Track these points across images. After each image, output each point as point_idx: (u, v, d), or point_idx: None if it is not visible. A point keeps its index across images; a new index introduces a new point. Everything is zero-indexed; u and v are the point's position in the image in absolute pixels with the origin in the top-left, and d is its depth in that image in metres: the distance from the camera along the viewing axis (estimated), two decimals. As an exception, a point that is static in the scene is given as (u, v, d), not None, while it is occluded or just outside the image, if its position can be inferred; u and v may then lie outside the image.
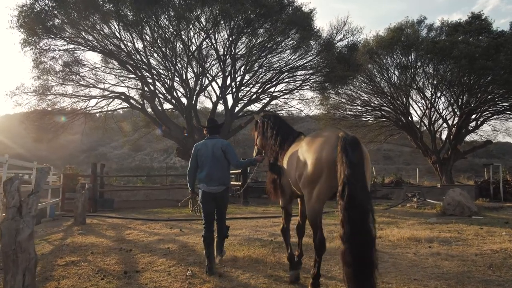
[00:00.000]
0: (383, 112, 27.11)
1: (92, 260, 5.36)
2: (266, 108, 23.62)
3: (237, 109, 22.73)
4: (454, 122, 25.21)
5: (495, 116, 25.55)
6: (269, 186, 4.84)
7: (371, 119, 28.94)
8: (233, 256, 5.12)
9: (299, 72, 22.29)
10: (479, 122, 25.68)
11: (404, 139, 33.32)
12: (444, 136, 26.44)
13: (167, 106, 23.90)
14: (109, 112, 22.89)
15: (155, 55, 21.17)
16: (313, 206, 3.65)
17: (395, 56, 24.17)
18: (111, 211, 13.66)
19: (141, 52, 20.06)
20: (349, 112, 27.91)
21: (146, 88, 20.70)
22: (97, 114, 23.59)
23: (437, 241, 6.42)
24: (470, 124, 25.75)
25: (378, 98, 26.57)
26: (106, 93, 21.55)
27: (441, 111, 25.88)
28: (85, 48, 19.72)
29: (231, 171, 5.54)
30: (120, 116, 29.50)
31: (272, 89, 23.18)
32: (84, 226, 8.90)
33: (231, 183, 15.93)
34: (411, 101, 26.18)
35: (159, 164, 56.16)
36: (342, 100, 26.95)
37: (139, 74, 20.46)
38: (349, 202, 3.07)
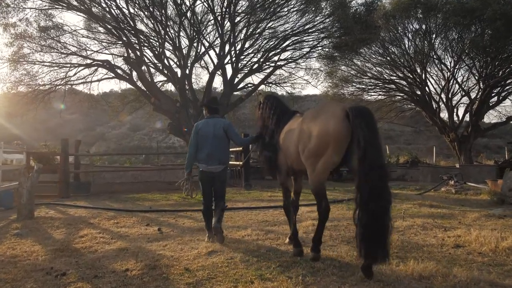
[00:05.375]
0: (397, 85, 24.50)
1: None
2: (269, 80, 21.05)
3: (236, 80, 20.13)
4: (477, 96, 22.63)
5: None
6: (264, 164, 4.99)
7: (381, 93, 26.30)
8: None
9: (307, 38, 19.55)
10: (501, 96, 23.12)
11: (407, 119, 30.94)
12: (461, 112, 24.02)
13: (158, 79, 21.45)
14: (94, 83, 20.23)
15: (142, 15, 18.44)
16: (319, 177, 3.71)
17: (413, 20, 21.36)
18: (86, 196, 11.31)
19: (123, 10, 17.26)
20: (359, 86, 25.29)
21: (132, 54, 17.99)
22: (80, 87, 21.00)
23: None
24: (490, 100, 23.23)
25: (391, 70, 23.87)
26: (89, 61, 18.90)
27: (461, 83, 23.30)
28: (59, 7, 16.90)
29: (230, 149, 5.42)
30: (113, 96, 27.08)
31: (276, 58, 20.49)
32: (29, 222, 6.51)
33: (231, 162, 13.59)
34: (429, 72, 23.53)
35: (158, 144, 54.74)
36: (352, 72, 24.26)
37: (124, 38, 17.72)
38: (370, 165, 3.23)
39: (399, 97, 26.01)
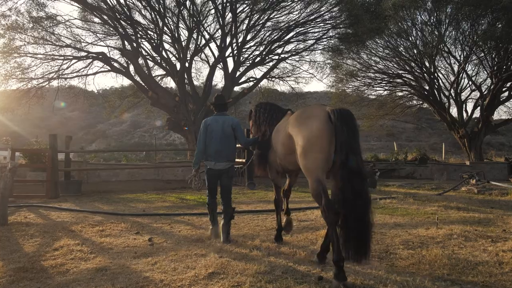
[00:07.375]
0: (404, 79, 23.51)
1: None
2: (272, 73, 20.14)
3: (238, 73, 19.21)
4: (489, 90, 21.64)
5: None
6: (255, 161, 4.99)
7: (387, 88, 25.29)
8: None
9: (312, 29, 18.61)
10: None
11: (410, 116, 30.02)
12: (469, 108, 23.11)
13: (157, 73, 20.55)
14: (89, 77, 19.36)
15: (139, 5, 17.51)
16: (313, 174, 3.49)
17: (423, 11, 20.36)
18: (76, 196, 10.41)
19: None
20: (364, 80, 24.30)
21: (129, 46, 17.07)
22: (76, 81, 20.15)
23: None
24: (501, 95, 22.28)
25: (398, 64, 22.88)
26: (83, 53, 17.99)
27: (471, 77, 22.33)
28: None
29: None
30: (111, 92, 26.21)
31: (279, 50, 19.57)
32: (0, 230, 5.60)
33: (236, 160, 12.71)
34: (437, 67, 22.53)
35: (158, 141, 54.03)
36: (357, 66, 23.27)
37: (120, 30, 16.80)
38: (352, 170, 3.27)
39: (406, 92, 25.04)
